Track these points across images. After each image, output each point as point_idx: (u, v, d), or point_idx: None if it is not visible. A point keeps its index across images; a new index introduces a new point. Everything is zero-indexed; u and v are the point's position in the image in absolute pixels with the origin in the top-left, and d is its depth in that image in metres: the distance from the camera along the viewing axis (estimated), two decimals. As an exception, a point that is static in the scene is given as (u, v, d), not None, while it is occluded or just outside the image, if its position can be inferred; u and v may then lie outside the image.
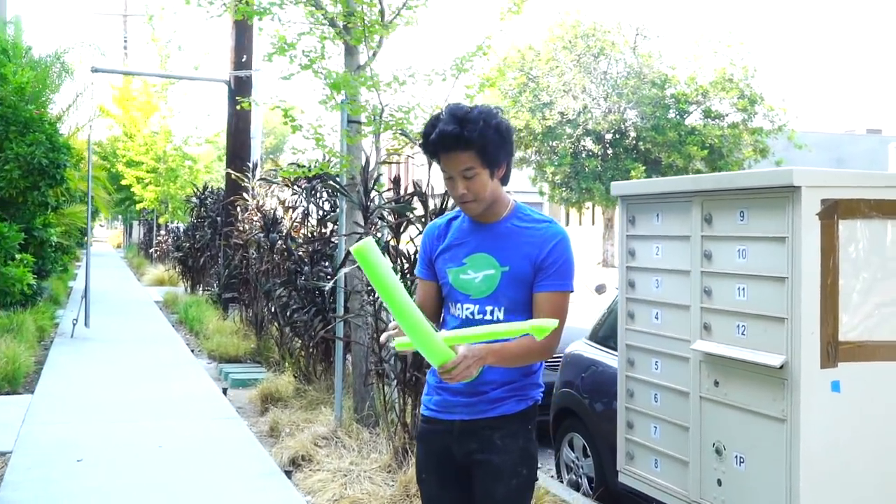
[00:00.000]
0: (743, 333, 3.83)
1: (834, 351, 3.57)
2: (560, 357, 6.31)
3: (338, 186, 6.27)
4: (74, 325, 12.31)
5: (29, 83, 13.26)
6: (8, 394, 8.34)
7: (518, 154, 31.67)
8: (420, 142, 2.92)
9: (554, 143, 31.46)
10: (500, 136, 2.79)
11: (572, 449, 6.04)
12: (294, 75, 7.09)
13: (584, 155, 31.52)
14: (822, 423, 3.57)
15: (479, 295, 2.89)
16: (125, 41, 48.27)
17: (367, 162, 6.25)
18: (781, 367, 3.58)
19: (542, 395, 3.06)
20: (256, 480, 5.83)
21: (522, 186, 34.71)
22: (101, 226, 71.76)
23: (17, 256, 10.52)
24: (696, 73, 31.18)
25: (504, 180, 2.92)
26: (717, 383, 4.00)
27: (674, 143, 30.05)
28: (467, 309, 2.91)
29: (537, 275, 2.84)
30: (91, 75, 16.72)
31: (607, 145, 31.70)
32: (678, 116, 31.29)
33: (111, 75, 25.85)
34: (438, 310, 3.09)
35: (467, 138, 2.73)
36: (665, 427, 4.44)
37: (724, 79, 30.50)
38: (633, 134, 31.71)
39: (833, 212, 3.57)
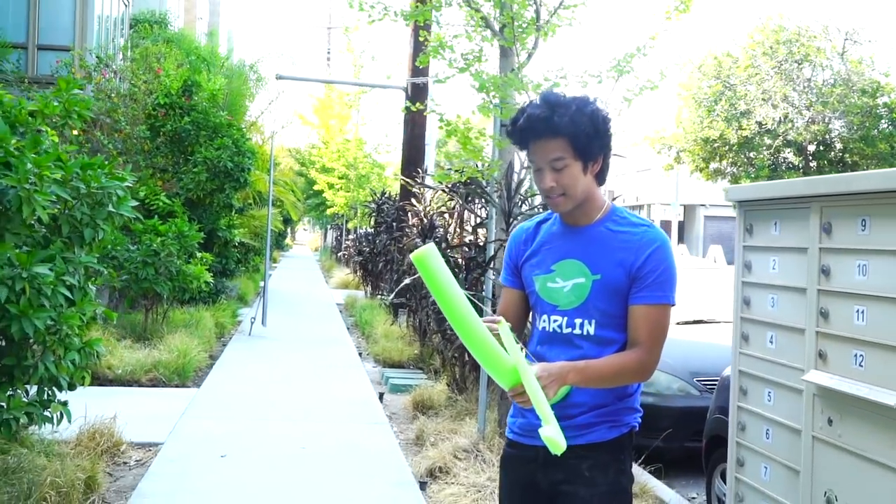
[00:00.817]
0: (861, 364, 3.24)
1: (965, 391, 2.95)
2: (716, 380, 5.86)
3: (479, 190, 6.07)
4: (252, 323, 12.77)
5: (221, 90, 13.92)
6: (177, 386, 8.69)
7: (712, 165, 30.44)
8: (508, 129, 2.61)
9: (751, 155, 29.98)
10: (594, 125, 2.50)
11: (724, 480, 5.57)
12: (450, 78, 6.99)
13: (783, 167, 29.85)
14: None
15: (567, 306, 2.60)
16: (328, 52, 50.34)
17: (511, 166, 6.02)
18: None
19: (639, 420, 2.74)
20: (390, 489, 5.73)
21: (717, 199, 33.34)
22: (304, 230, 75.10)
23: (198, 255, 10.99)
24: (913, 80, 28.89)
25: (600, 178, 2.62)
26: (830, 421, 3.43)
27: (885, 155, 27.93)
28: (555, 321, 2.62)
29: (633, 285, 2.53)
30: (281, 83, 17.34)
31: (810, 157, 29.88)
32: (891, 127, 29.07)
33: (313, 86, 27.03)
34: (523, 321, 2.83)
35: (557, 123, 2.46)
36: (775, 468, 3.88)
37: (944, 86, 28.10)
38: (838, 145, 29.72)
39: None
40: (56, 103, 5.19)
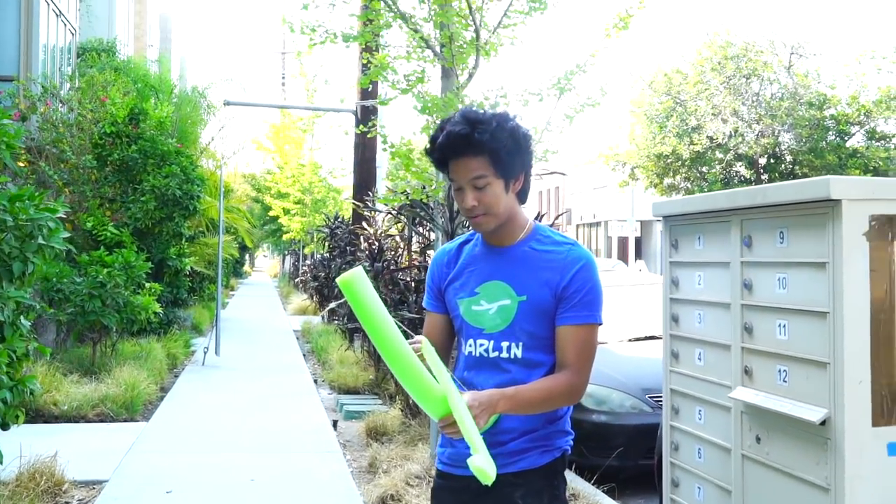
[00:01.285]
0: (785, 380, 3.20)
1: (890, 404, 2.93)
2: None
3: (422, 213, 6.01)
4: (206, 353, 12.58)
5: (169, 117, 13.76)
6: (125, 421, 8.49)
7: (666, 181, 30.73)
8: (427, 147, 2.58)
9: (703, 169, 30.33)
10: (515, 142, 2.45)
11: (678, 498, 5.53)
12: (393, 99, 6.96)
13: (735, 181, 30.23)
14: (875, 497, 2.91)
15: (493, 329, 2.54)
16: (283, 77, 50.27)
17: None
18: (823, 423, 2.96)
19: (571, 443, 2.69)
20: (341, 519, 5.62)
21: (672, 214, 33.58)
22: (263, 256, 74.58)
23: (146, 285, 10.80)
24: (859, 91, 29.43)
25: (521, 197, 2.58)
26: (758, 439, 3.38)
27: (833, 166, 28.39)
28: (481, 345, 2.55)
29: (559, 305, 2.47)
30: (235, 109, 17.21)
31: (761, 170, 30.29)
32: (838, 138, 29.57)
33: (269, 111, 26.91)
34: (448, 346, 2.77)
35: (478, 141, 2.41)
36: (708, 488, 3.83)
37: (889, 97, 28.63)
38: (788, 158, 30.17)
39: (886, 231, 2.93)
40: (-17, 134, 5.05)
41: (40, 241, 4.85)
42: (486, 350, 2.55)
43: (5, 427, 4.69)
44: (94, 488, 6.14)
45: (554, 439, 2.60)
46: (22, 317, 4.95)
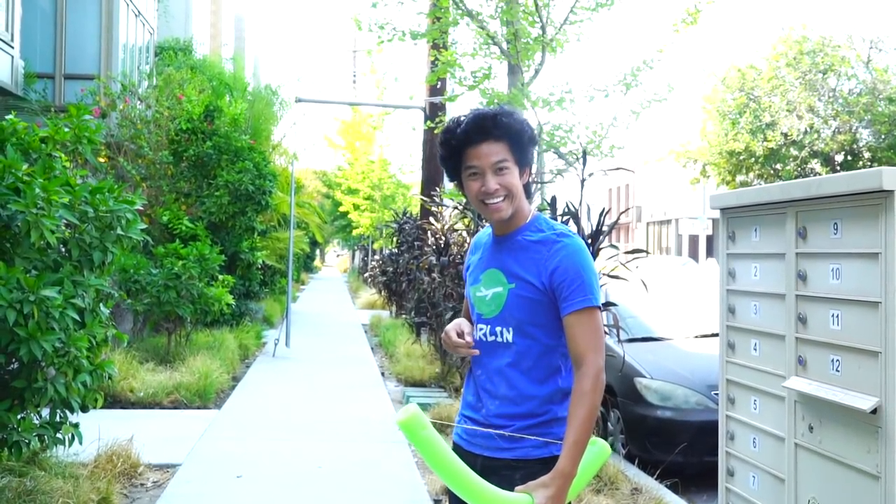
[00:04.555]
0: (838, 370, 3.22)
1: (940, 393, 2.90)
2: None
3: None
4: (276, 344, 12.84)
5: (242, 114, 14.07)
6: (198, 408, 8.75)
7: (739, 178, 30.23)
8: (443, 138, 2.60)
9: (777, 166, 29.78)
10: (529, 133, 2.61)
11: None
12: (460, 96, 7.05)
13: (810, 178, 29.66)
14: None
15: (489, 314, 2.66)
16: (354, 74, 50.77)
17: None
18: (873, 411, 2.97)
19: None
20: (404, 508, 5.73)
21: (745, 212, 32.99)
22: (335, 254, 75.36)
23: (220, 277, 11.09)
24: (942, 86, 28.56)
25: (526, 190, 2.68)
26: (811, 428, 3.40)
27: (914, 163, 27.69)
28: (480, 329, 2.69)
29: (557, 295, 2.54)
30: (306, 106, 17.48)
31: (837, 167, 29.62)
32: (919, 135, 28.77)
33: (339, 108, 27.27)
34: None
35: (504, 124, 2.53)
36: (762, 477, 3.84)
37: (973, 92, 27.74)
38: (867, 155, 29.45)
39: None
40: (66, 129, 5.28)
41: (119, 231, 5.05)
42: (485, 334, 2.66)
43: (84, 409, 4.91)
44: (167, 471, 6.36)
45: (553, 427, 2.61)
46: (101, 304, 5.16)
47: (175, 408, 8.65)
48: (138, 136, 13.03)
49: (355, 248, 43.37)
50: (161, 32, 20.13)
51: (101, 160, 12.14)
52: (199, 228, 12.54)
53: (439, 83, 13.40)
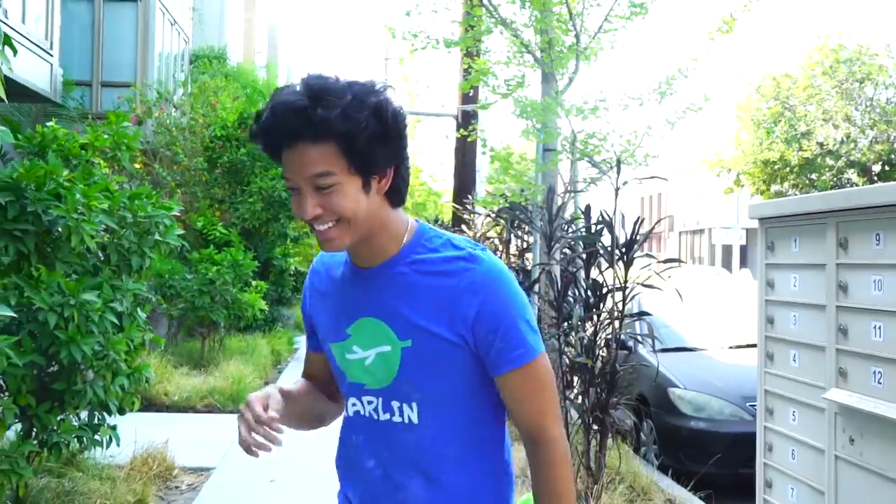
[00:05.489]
0: (880, 382, 3.17)
1: None
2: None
3: (521, 215, 6.10)
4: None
5: (276, 122, 14.18)
6: (231, 412, 8.80)
7: (773, 188, 29.96)
8: (251, 128, 1.79)
9: (813, 176, 29.49)
10: (381, 123, 1.68)
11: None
12: (493, 104, 7.08)
13: (847, 188, 29.35)
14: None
15: (375, 385, 1.88)
16: (385, 83, 50.92)
17: (552, 189, 6.04)
18: None
19: None
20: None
21: (779, 221, 32.69)
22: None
23: (253, 283, 11.18)
24: (983, 95, 28.18)
25: (394, 197, 1.82)
26: (851, 440, 3.35)
27: (953, 174, 27.30)
28: (369, 404, 1.90)
29: (481, 349, 1.80)
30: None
31: (875, 177, 29.28)
32: (959, 145, 28.37)
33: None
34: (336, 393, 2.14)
35: (323, 119, 1.64)
36: (801, 489, 3.80)
37: None
38: (904, 165, 29.12)
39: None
40: (106, 136, 5.36)
41: (157, 237, 5.12)
42: (376, 411, 1.90)
43: (122, 412, 4.97)
44: (201, 474, 6.42)
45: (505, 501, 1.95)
46: (139, 308, 5.23)
47: (209, 412, 8.72)
48: (174, 142, 13.18)
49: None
50: (196, 40, 20.34)
51: (137, 167, 12.27)
52: (233, 234, 12.65)
53: (472, 91, 13.44)
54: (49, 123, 5.35)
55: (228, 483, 6.19)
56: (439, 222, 16.35)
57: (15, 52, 3.51)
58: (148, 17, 15.55)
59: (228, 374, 9.43)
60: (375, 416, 1.90)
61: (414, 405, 1.85)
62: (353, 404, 1.96)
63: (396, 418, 1.87)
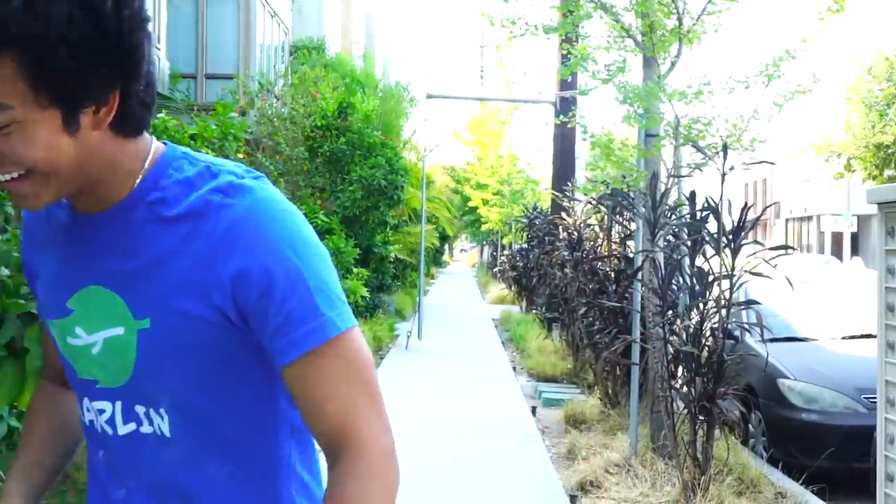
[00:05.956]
0: None
1: None
2: None
3: (624, 201, 6.00)
4: (409, 337, 13.03)
5: (375, 111, 14.32)
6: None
7: (886, 173, 28.79)
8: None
9: (928, 159, 28.24)
10: (95, 20, 1.10)
11: (892, 502, 5.25)
12: (593, 90, 6.98)
13: (967, 171, 28.00)
14: None
15: (110, 383, 1.28)
16: (482, 70, 50.92)
17: (655, 175, 5.92)
18: None
19: None
20: (540, 501, 5.73)
21: None
22: (461, 249, 75.90)
23: (354, 270, 11.34)
24: None
25: (128, 126, 1.22)
26: None
27: None
28: (101, 413, 1.30)
29: (256, 325, 1.22)
30: (435, 102, 17.67)
31: None
32: None
33: (468, 103, 27.49)
34: None
35: None
36: None
37: None
38: None
39: None
40: (214, 126, 5.50)
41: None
42: (112, 420, 1.29)
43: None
44: (307, 459, 6.54)
45: None
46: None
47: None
48: (275, 132, 13.44)
49: (484, 242, 43.56)
50: (295, 32, 20.69)
51: (241, 156, 12.56)
52: (334, 222, 12.84)
53: (570, 77, 13.30)
54: (160, 115, 5.51)
55: (409, 460, 6.28)
56: (537, 209, 16.28)
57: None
58: (249, 11, 15.88)
59: (331, 360, 9.58)
60: (112, 429, 1.29)
61: (163, 412, 1.26)
62: (87, 410, 1.33)
63: (145, 429, 1.27)
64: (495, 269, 30.46)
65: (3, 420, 2.40)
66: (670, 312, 5.78)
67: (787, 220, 53.03)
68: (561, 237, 11.19)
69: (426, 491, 5.80)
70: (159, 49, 13.71)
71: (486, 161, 27.65)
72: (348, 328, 1.24)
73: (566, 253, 9.78)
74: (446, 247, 44.76)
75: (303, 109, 13.90)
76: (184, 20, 15.78)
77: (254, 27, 16.02)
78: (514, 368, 11.57)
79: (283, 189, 12.80)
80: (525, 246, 17.91)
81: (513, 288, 21.39)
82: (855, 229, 36.17)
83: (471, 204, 29.90)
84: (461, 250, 76.89)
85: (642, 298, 6.39)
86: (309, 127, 13.75)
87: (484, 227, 30.30)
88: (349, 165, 13.51)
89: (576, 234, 9.96)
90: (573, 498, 5.80)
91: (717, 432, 5.61)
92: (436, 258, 35.62)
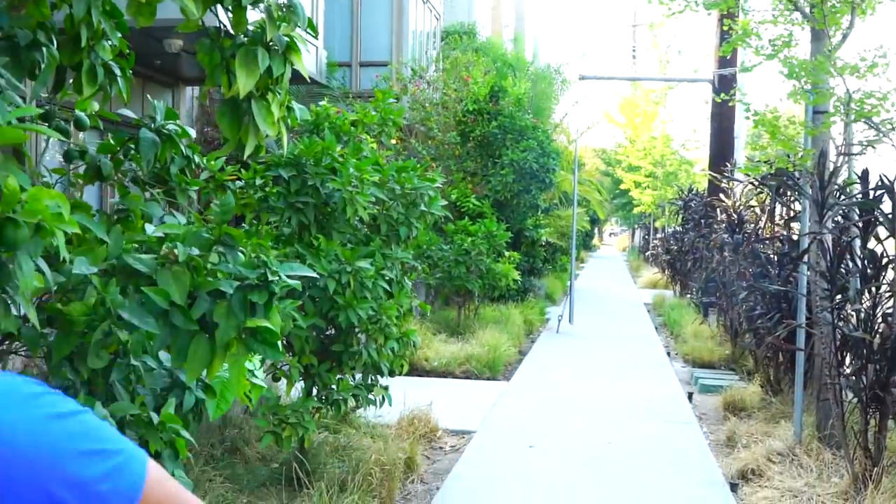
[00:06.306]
0: None
1: None
2: None
3: (789, 182, 5.77)
4: (559, 321, 13.00)
5: (526, 94, 14.30)
6: (487, 379, 9.06)
7: None
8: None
9: None
10: None
11: None
12: (757, 66, 6.75)
13: None
14: None
15: None
16: (633, 50, 49.99)
17: (823, 154, 5.66)
18: None
19: None
20: (699, 489, 5.62)
21: None
22: (610, 233, 74.88)
23: (506, 254, 11.40)
24: None
25: None
26: None
27: None
28: None
29: None
30: (585, 84, 17.49)
31: None
32: None
33: (618, 85, 27.05)
34: None
35: None
36: None
37: None
38: None
39: None
40: (374, 113, 5.63)
41: (422, 208, 5.33)
42: None
43: (392, 374, 5.24)
44: (463, 437, 6.65)
45: None
46: (405, 276, 5.47)
47: (466, 378, 9.01)
48: (428, 118, 13.61)
49: (635, 226, 42.81)
50: (446, 17, 20.84)
51: (393, 142, 12.81)
52: (486, 206, 12.93)
53: (730, 54, 12.89)
54: (321, 103, 5.69)
55: (489, 447, 6.37)
56: (693, 191, 15.88)
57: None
58: (402, -1, 16.11)
59: (484, 342, 9.69)
60: None
61: None
62: None
63: None
64: (647, 253, 29.91)
65: (191, 392, 2.56)
66: (839, 297, 5.54)
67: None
68: (719, 219, 10.89)
69: (582, 475, 5.80)
70: (317, 38, 14.11)
71: (638, 143, 27.14)
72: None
73: (726, 235, 9.51)
74: (595, 230, 44.27)
75: (454, 94, 14.02)
76: (339, 10, 16.17)
77: (406, 14, 16.24)
78: (669, 354, 11.35)
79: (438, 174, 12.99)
80: (679, 229, 17.52)
81: (666, 272, 20.97)
82: None
83: (622, 186, 29.43)
84: (610, 234, 75.77)
85: (808, 282, 6.15)
86: (461, 112, 13.87)
87: (636, 210, 29.77)
88: (501, 149, 13.56)
89: (735, 216, 9.66)
90: (734, 486, 5.66)
91: (890, 422, 5.36)
92: (585, 242, 35.28)
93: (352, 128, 5.63)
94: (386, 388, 5.28)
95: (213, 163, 3.55)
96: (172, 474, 2.37)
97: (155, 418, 2.27)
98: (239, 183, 4.54)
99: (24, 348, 2.25)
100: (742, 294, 8.24)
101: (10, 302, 1.82)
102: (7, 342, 2.13)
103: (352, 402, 5.10)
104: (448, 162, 13.68)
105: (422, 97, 13.90)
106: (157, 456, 2.29)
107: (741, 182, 10.13)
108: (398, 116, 5.89)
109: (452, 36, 19.67)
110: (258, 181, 4.77)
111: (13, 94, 1.97)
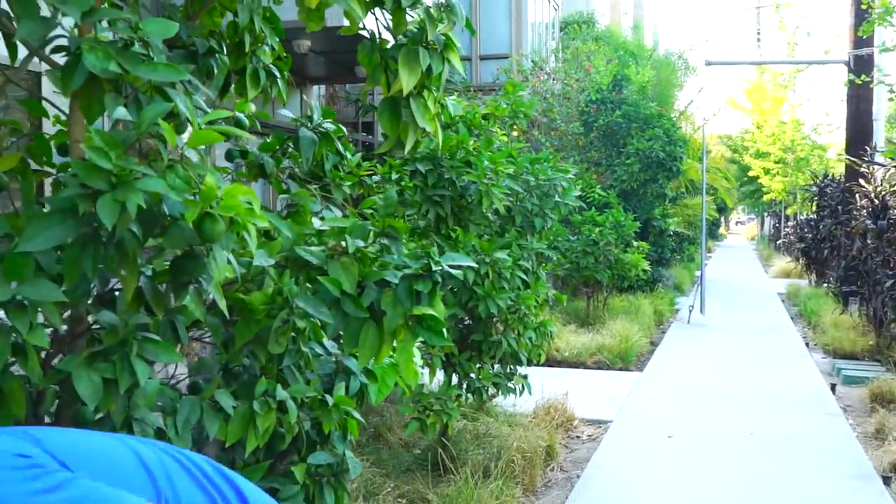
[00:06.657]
0: None
1: None
2: None
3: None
4: (690, 311, 12.78)
5: (650, 82, 14.11)
6: (620, 370, 9.01)
7: None
8: None
9: None
10: None
11: None
12: (901, 43, 6.49)
13: None
14: None
15: None
16: (758, 33, 48.54)
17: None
18: None
19: None
20: (848, 482, 5.45)
21: None
22: (737, 221, 72.94)
23: (634, 244, 11.29)
24: None
25: None
26: None
27: None
28: None
29: None
30: (710, 70, 17.11)
31: None
32: None
33: (744, 70, 26.32)
34: None
35: None
36: None
37: None
38: None
39: None
40: (504, 105, 5.68)
41: (556, 198, 5.36)
42: None
43: (530, 363, 5.29)
44: (599, 426, 6.64)
45: None
46: (540, 267, 5.52)
47: (598, 368, 8.99)
48: (550, 109, 13.59)
49: (765, 214, 41.57)
50: (564, 7, 20.73)
51: (515, 133, 12.87)
52: (612, 196, 12.82)
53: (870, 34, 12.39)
54: (450, 98, 5.77)
55: (626, 436, 6.35)
56: (828, 177, 15.35)
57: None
58: (521, -9, 16.12)
59: (615, 333, 9.64)
60: None
61: None
62: None
63: None
64: (778, 242, 29.02)
65: (356, 377, 2.67)
66: None
67: None
68: (859, 205, 10.49)
69: (724, 466, 5.71)
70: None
71: (766, 128, 26.34)
72: None
73: (868, 222, 9.16)
74: (722, 219, 43.20)
75: (576, 85, 13.95)
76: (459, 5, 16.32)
77: (525, 6, 16.24)
78: (807, 344, 11.01)
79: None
80: (814, 216, 16.95)
81: (800, 261, 20.29)
82: None
83: (750, 174, 28.62)
84: (737, 222, 73.78)
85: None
86: (583, 102, 13.80)
87: (765, 198, 28.92)
88: (625, 139, 13.43)
89: (879, 201, 9.30)
90: (886, 479, 5.48)
91: None
92: (711, 231, 34.49)
93: (483, 121, 5.69)
94: (525, 377, 5.34)
95: (350, 158, 3.68)
96: (342, 454, 2.49)
97: (329, 400, 2.39)
98: (375, 178, 4.67)
99: (208, 335, 2.40)
100: (888, 282, 7.93)
101: (199, 292, 1.96)
102: (193, 329, 2.29)
103: (492, 391, 5.18)
104: (572, 153, 13.64)
105: (543, 88, 13.89)
106: (327, 436, 2.42)
107: (883, 166, 9.72)
108: (529, 108, 5.92)
109: (571, 26, 19.57)
110: (394, 176, 4.89)
111: (199, 98, 2.12)
